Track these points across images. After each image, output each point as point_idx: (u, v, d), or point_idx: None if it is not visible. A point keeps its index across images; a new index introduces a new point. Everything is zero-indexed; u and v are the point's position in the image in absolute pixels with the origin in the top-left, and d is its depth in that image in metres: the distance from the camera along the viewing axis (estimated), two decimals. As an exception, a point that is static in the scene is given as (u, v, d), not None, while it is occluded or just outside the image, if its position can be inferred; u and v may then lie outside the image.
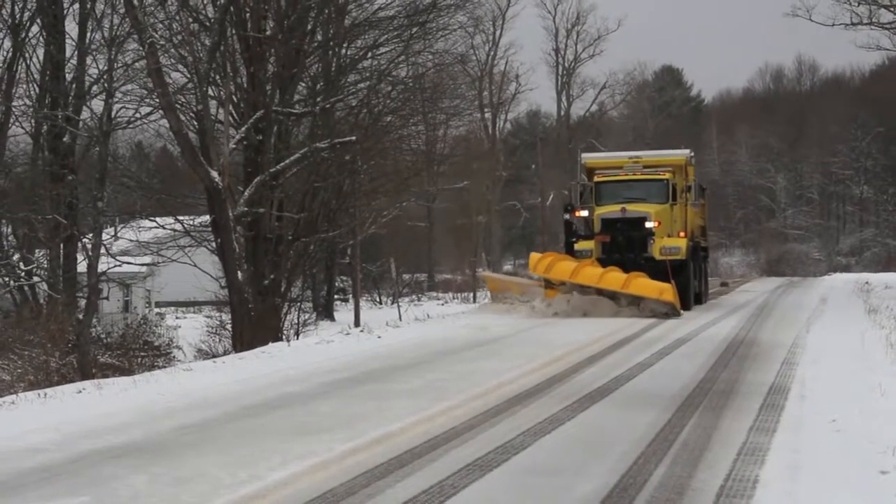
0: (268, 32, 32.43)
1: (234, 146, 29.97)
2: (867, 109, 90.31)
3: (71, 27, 36.33)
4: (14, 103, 37.26)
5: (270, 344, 22.97)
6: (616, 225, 31.62)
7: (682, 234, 33.33)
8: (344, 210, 36.42)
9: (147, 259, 39.24)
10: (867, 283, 49.96)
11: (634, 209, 31.84)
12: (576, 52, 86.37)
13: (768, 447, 11.79)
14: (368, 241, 52.49)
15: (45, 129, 36.13)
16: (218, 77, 33.24)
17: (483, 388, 15.26)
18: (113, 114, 36.16)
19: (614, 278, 29.06)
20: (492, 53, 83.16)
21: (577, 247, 32.52)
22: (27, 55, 36.98)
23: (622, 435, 12.01)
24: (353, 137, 32.30)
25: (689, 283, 32.10)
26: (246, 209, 28.94)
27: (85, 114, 36.94)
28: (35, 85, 37.21)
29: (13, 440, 12.15)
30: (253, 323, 28.73)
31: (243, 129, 30.29)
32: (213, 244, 31.86)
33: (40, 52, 36.84)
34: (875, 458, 10.59)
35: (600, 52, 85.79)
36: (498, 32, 79.94)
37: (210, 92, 32.59)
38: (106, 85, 35.68)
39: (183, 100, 34.30)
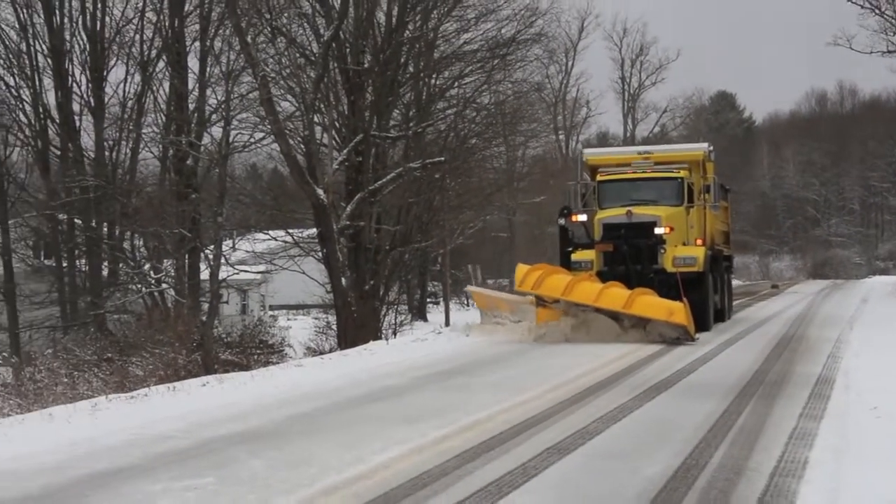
0: (366, 65, 32.52)
1: (336, 167, 30.41)
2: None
3: (192, 63, 37.21)
4: (144, 131, 38.55)
5: (371, 342, 23.19)
6: (620, 231, 24.43)
7: (699, 241, 25.71)
8: (435, 223, 37.18)
9: (261, 267, 39.92)
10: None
11: (642, 213, 24.57)
12: (640, 80, 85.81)
13: (816, 432, 11.71)
14: (456, 250, 52.82)
15: (171, 153, 36.82)
16: (322, 105, 33.20)
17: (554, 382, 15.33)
18: (230, 139, 36.46)
19: (615, 296, 22.02)
20: (565, 82, 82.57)
21: (574, 257, 25.12)
22: (154, 88, 38.07)
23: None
24: (443, 158, 33.18)
25: (708, 299, 24.85)
26: (348, 222, 29.55)
27: (206, 139, 37.48)
28: (162, 114, 37.93)
29: (146, 428, 12.31)
30: (355, 323, 29.04)
31: (345, 151, 30.79)
32: (320, 254, 32.55)
33: (166, 85, 37.64)
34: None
35: (662, 79, 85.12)
36: (570, 63, 79.58)
37: (315, 119, 32.73)
38: (224, 113, 36.02)
39: (291, 126, 34.24)
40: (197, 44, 37.11)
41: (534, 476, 9.50)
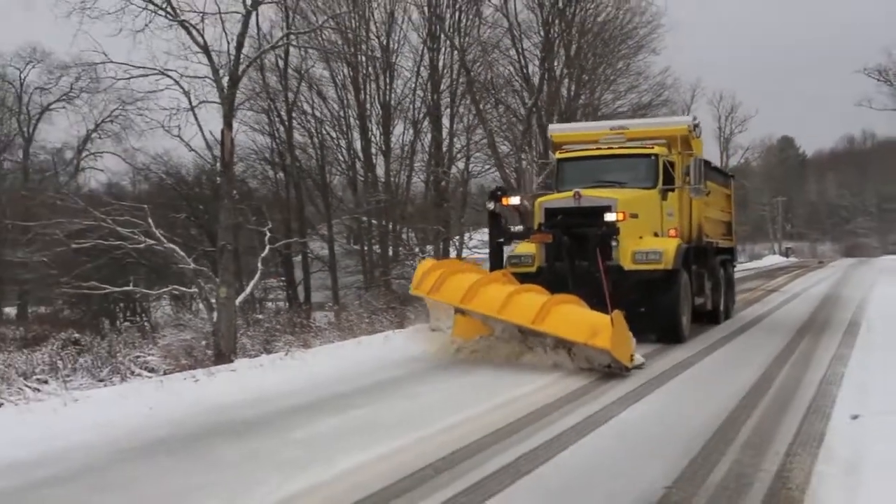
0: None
1: (535, 187, 34.35)
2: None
3: (445, 121, 40.75)
4: (415, 165, 42.23)
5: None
6: (566, 218, 15.78)
7: (672, 232, 17.42)
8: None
9: (486, 250, 42.38)
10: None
11: (594, 195, 16.08)
12: (731, 129, 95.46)
13: (850, 356, 13.49)
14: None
15: (431, 178, 40.71)
16: (526, 147, 36.75)
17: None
18: (469, 169, 40.91)
19: (524, 306, 13.53)
20: None
21: (517, 250, 17.00)
22: (421, 137, 41.83)
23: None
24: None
25: (678, 304, 16.34)
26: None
27: (453, 169, 40.85)
28: (426, 154, 41.82)
29: (410, 351, 14.09)
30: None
31: (541, 177, 35.75)
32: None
33: (428, 136, 41.41)
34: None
35: (745, 128, 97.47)
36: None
37: (522, 156, 35.64)
38: (465, 153, 40.37)
39: (507, 161, 38.18)
40: (448, 109, 40.55)
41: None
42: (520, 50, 40.43)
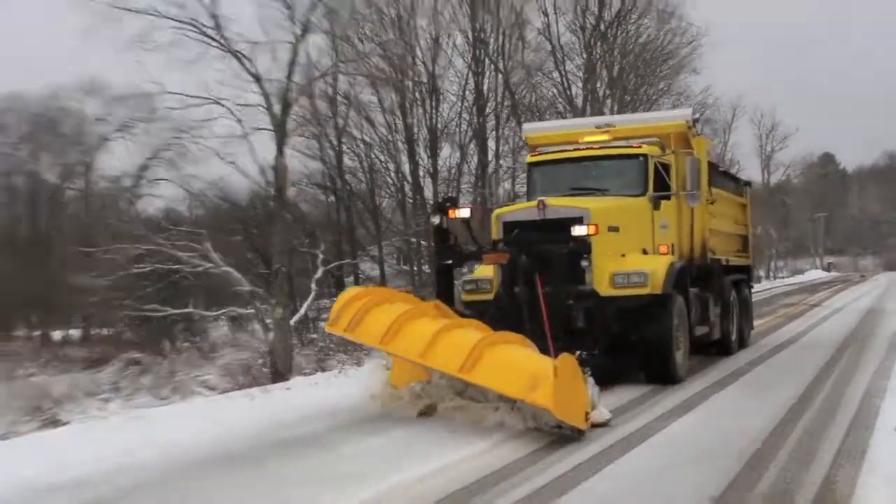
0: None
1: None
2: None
3: (491, 143, 41.07)
4: (462, 186, 41.93)
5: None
6: (524, 233, 12.40)
7: (662, 248, 13.99)
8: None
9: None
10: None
11: (562, 205, 12.90)
12: (772, 146, 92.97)
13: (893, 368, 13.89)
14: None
15: (479, 199, 38.61)
16: None
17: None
18: (515, 189, 38.07)
19: (452, 347, 10.02)
20: (723, 149, 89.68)
21: (475, 273, 13.79)
22: (468, 160, 41.86)
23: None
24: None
25: (670, 337, 13.10)
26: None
27: (500, 190, 35.01)
28: (472, 175, 41.93)
29: None
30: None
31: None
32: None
33: (475, 158, 41.54)
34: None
35: (786, 145, 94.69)
36: (727, 136, 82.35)
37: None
38: (511, 174, 39.41)
39: None
40: (493, 132, 40.87)
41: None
42: (563, 72, 41.10)
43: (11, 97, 55.86)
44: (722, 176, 18.09)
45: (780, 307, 26.21)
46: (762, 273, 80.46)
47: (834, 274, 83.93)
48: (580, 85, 40.87)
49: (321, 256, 29.83)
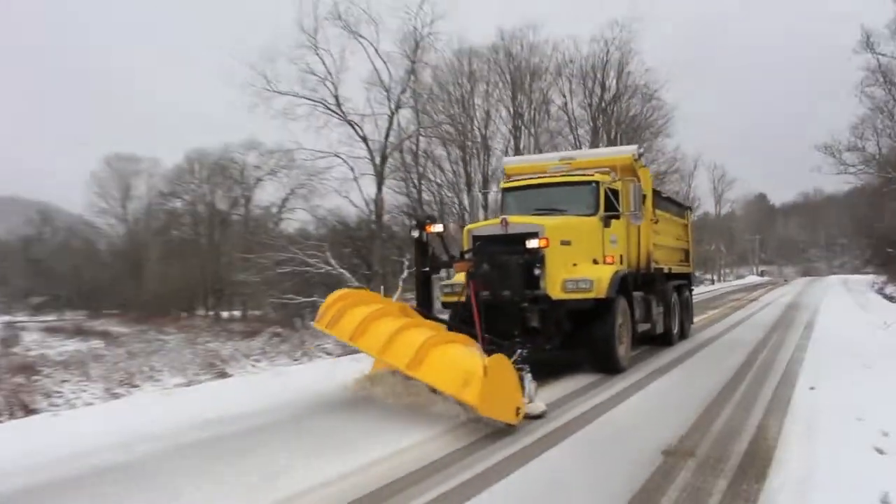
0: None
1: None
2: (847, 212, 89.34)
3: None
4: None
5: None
6: (486, 245, 10.94)
7: (609, 259, 12.16)
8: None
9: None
10: (846, 280, 54.35)
11: (521, 221, 11.21)
12: (722, 188, 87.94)
13: (807, 345, 13.57)
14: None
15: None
16: None
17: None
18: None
19: (405, 345, 8.06)
20: (687, 190, 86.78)
21: (456, 278, 11.50)
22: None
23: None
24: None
25: (613, 335, 11.20)
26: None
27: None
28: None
29: None
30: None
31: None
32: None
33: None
34: (851, 347, 12.11)
35: (731, 187, 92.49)
36: (691, 180, 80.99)
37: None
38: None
39: None
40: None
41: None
42: (576, 136, 40.47)
43: (198, 151, 60.95)
44: (666, 201, 16.32)
45: (729, 301, 25.59)
46: (714, 277, 78.72)
47: (766, 279, 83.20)
48: (587, 145, 40.21)
49: (406, 263, 30.03)
